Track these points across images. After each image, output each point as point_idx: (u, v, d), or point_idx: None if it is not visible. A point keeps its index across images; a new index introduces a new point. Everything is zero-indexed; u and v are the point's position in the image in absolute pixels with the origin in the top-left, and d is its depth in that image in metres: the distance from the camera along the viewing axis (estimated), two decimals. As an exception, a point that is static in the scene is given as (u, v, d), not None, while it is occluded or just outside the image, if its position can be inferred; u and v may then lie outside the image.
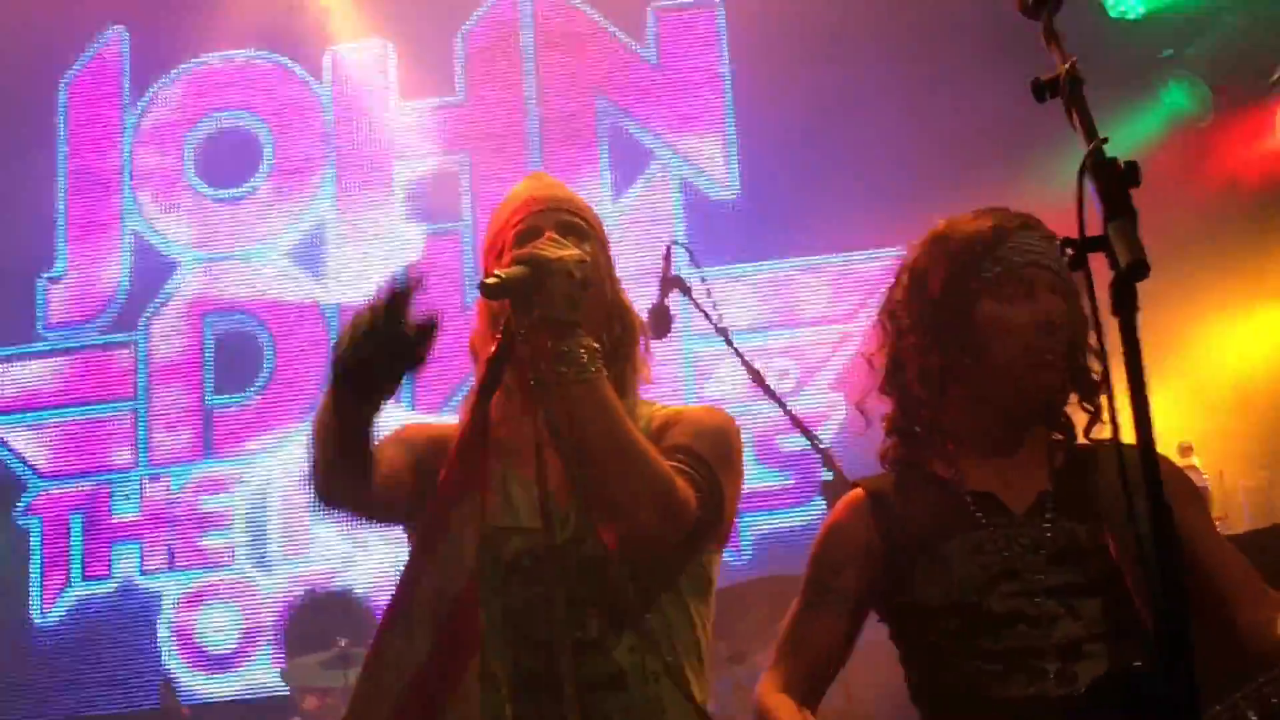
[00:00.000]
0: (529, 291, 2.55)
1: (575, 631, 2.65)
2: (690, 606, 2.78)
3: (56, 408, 7.41)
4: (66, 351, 7.48)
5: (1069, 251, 1.83)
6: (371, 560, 7.00)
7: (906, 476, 2.82)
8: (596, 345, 2.60)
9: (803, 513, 6.85)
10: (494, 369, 2.59)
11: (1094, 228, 1.82)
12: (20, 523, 7.24)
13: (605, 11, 7.65)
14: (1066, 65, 1.96)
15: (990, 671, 2.64)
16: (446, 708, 2.41)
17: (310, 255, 7.54)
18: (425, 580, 2.46)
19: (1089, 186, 1.84)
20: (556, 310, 2.56)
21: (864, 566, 2.78)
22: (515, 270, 2.55)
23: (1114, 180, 1.84)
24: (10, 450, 7.34)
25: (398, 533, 2.80)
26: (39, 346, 7.49)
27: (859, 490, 2.85)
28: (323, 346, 7.33)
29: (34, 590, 7.14)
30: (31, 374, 7.46)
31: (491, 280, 2.53)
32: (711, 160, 7.48)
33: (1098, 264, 1.82)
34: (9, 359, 7.47)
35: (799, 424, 4.71)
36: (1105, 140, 1.88)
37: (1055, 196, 2.39)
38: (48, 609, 7.11)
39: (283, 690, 6.22)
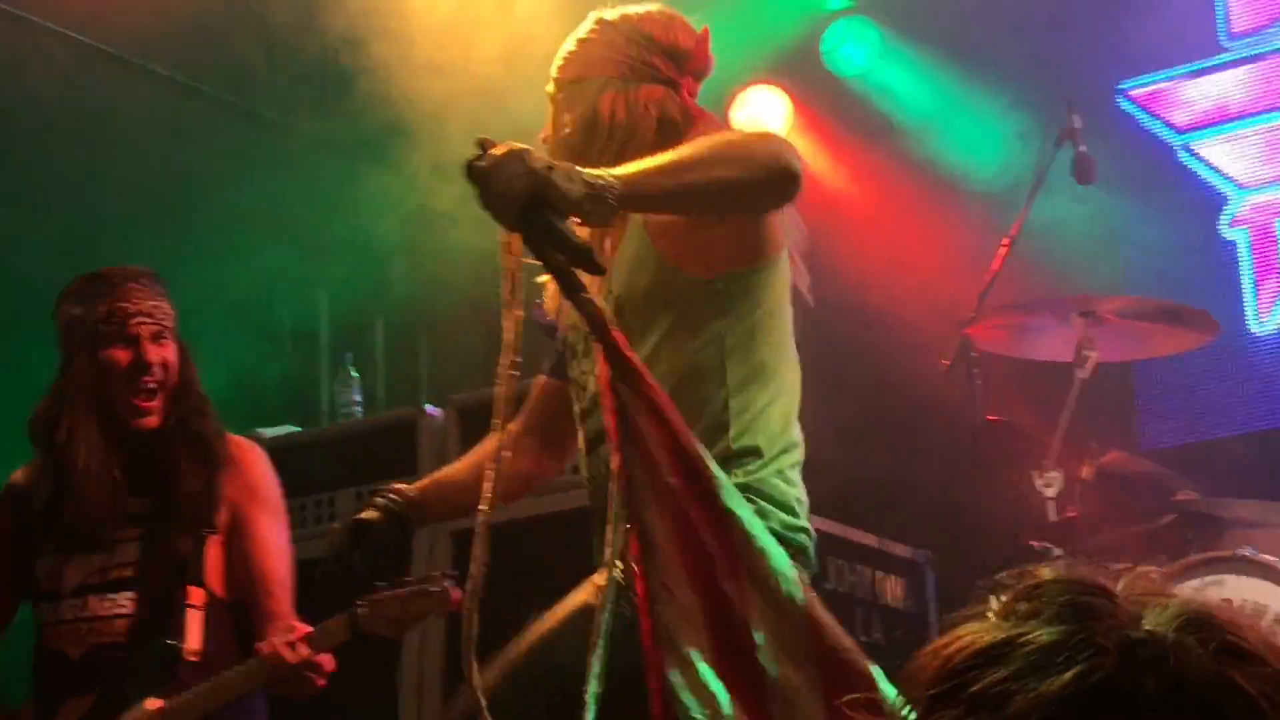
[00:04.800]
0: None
1: None
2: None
3: (1248, 117, 7.30)
4: (1252, 59, 7.33)
5: None
6: None
7: None
8: (574, 170, 2.67)
9: None
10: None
11: None
12: (1226, 235, 7.23)
13: None
14: None
15: None
16: None
17: None
18: None
19: None
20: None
21: None
22: None
23: None
24: (1207, 164, 7.33)
25: None
26: (1224, 58, 7.39)
27: None
28: None
29: (1248, 300, 7.12)
30: (1220, 86, 7.38)
31: None
32: None
33: None
34: (1197, 74, 7.42)
35: None
36: None
37: None
38: (1264, 317, 7.08)
39: None
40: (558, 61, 3.31)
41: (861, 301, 6.78)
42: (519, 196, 2.59)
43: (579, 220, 2.68)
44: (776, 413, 3.18)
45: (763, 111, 7.63)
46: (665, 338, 3.11)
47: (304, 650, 3.86)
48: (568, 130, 3.23)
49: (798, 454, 3.25)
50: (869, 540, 6.09)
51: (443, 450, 5.95)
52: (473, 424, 5.92)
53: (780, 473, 3.14)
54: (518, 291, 2.75)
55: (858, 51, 7.66)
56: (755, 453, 3.10)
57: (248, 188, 7.13)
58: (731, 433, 3.09)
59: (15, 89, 6.63)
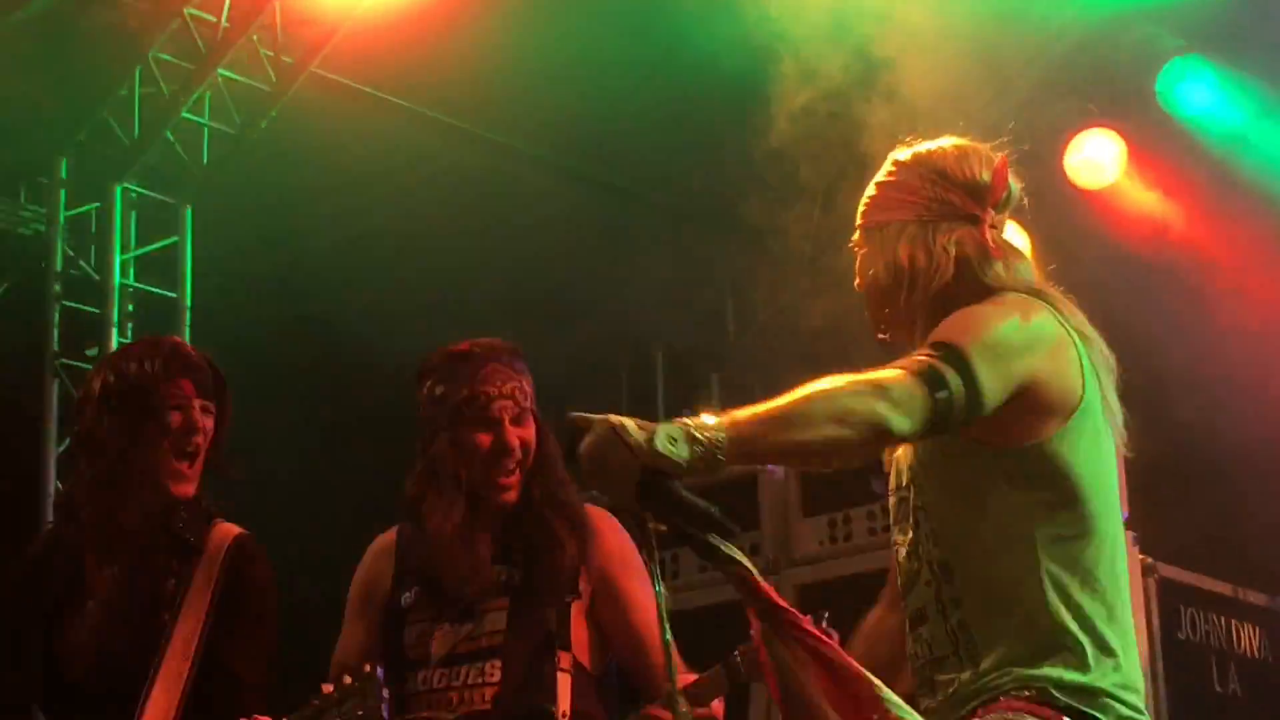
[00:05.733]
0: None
1: None
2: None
3: None
4: None
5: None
6: None
7: None
8: (682, 423, 2.58)
9: None
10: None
11: None
12: None
13: None
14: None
15: None
16: None
17: None
18: None
19: None
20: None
21: None
22: None
23: None
24: None
25: None
26: None
27: None
28: None
29: None
30: None
31: None
32: None
33: None
34: None
35: None
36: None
37: None
38: None
39: None
40: (860, 208, 3.25)
41: (1196, 339, 6.63)
42: (630, 479, 2.55)
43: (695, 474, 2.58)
44: (1100, 608, 2.92)
45: (1097, 155, 7.53)
46: (962, 511, 3.00)
47: (684, 706, 3.85)
48: (874, 276, 3.20)
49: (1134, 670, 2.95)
50: (1222, 588, 5.91)
51: (784, 507, 5.99)
52: (813, 482, 5.95)
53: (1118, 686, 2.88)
54: (653, 567, 2.64)
55: (1195, 90, 7.50)
56: (1082, 659, 2.86)
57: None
58: (1051, 627, 2.86)
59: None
